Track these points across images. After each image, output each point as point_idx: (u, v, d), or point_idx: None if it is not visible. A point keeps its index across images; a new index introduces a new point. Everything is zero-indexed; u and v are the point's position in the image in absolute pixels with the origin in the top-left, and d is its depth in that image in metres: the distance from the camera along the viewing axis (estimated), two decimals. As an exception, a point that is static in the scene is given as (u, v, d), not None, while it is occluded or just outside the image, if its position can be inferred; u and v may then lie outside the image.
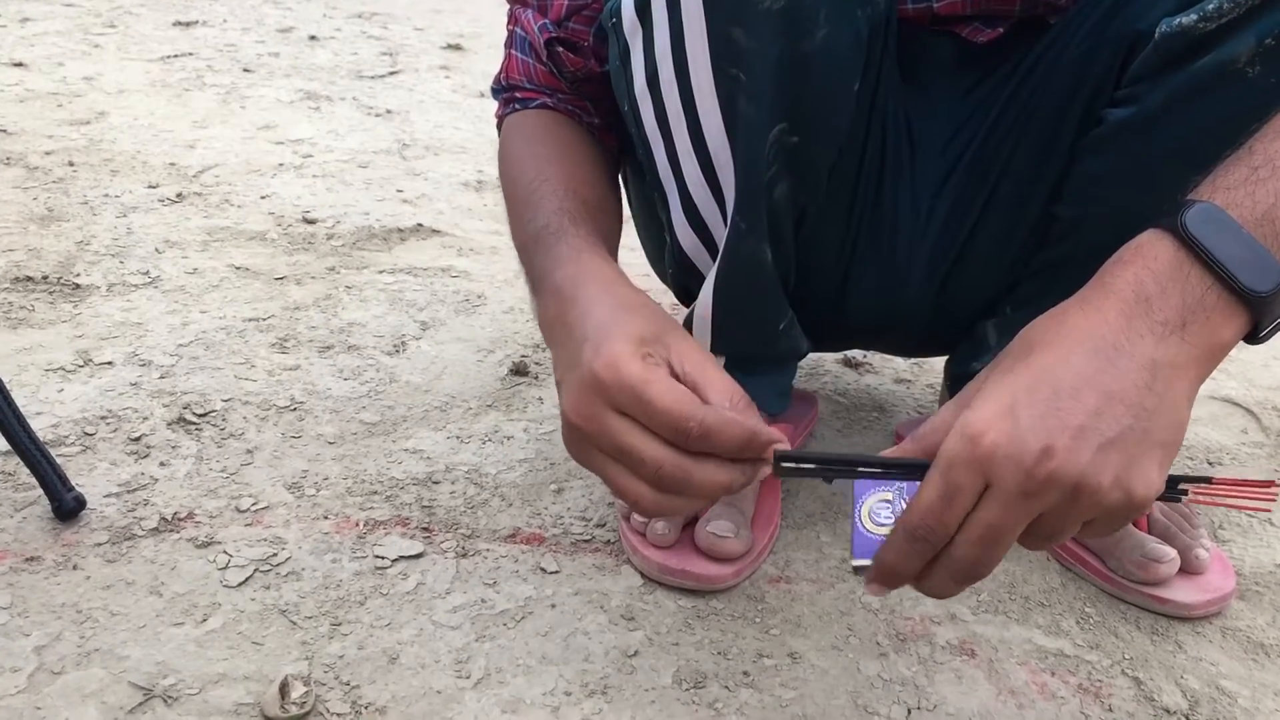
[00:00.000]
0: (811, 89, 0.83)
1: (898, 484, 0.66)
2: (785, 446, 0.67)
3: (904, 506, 0.64)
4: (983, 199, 0.95)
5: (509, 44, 1.04)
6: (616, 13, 0.86)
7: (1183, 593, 0.95)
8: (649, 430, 0.66)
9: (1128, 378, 0.59)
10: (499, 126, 1.05)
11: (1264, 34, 0.72)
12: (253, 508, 1.01)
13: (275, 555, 0.95)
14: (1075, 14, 0.87)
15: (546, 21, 0.97)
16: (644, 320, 0.71)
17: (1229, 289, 0.60)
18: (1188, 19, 0.75)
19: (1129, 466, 0.58)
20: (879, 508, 0.66)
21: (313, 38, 3.26)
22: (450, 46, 3.37)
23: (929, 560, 0.63)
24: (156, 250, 1.57)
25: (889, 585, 0.65)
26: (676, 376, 0.68)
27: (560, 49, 0.97)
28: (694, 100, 0.83)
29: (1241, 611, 0.97)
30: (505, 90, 1.04)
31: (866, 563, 0.65)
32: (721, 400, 0.67)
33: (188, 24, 3.26)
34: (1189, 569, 0.97)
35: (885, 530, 0.65)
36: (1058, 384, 0.59)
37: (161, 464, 1.06)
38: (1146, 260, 0.61)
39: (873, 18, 0.84)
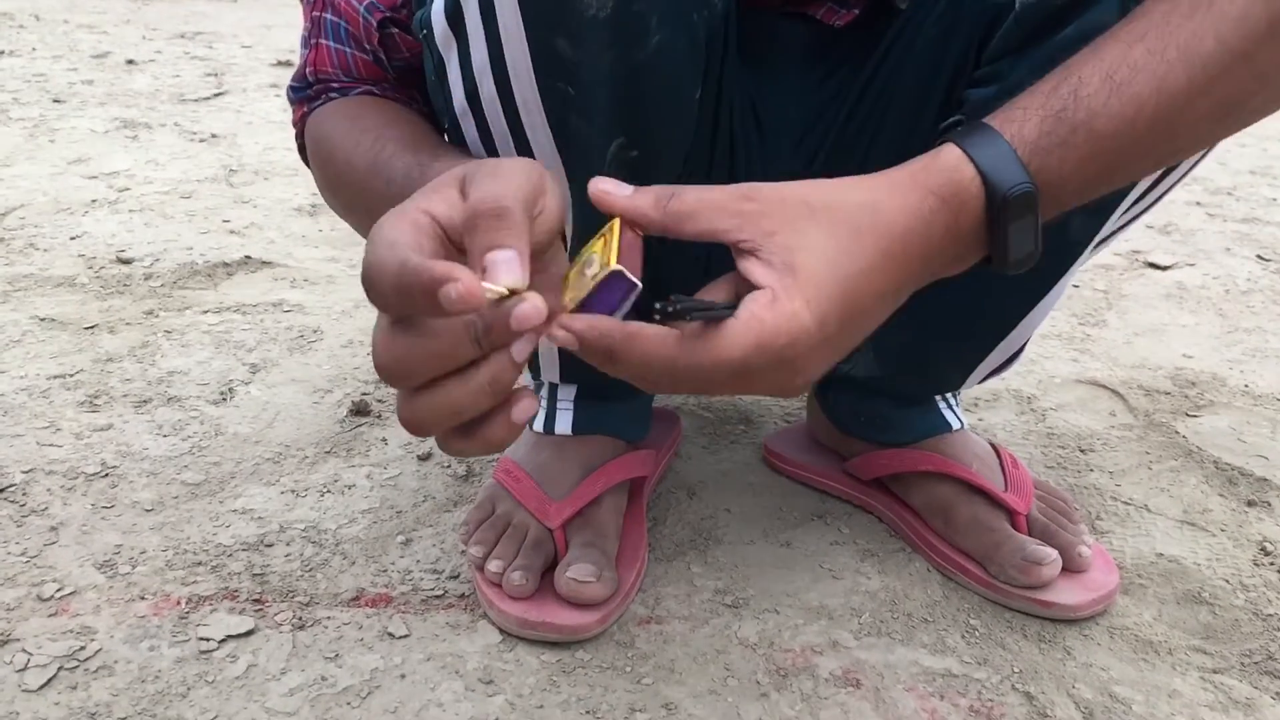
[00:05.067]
0: (648, 100, 0.76)
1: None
2: (458, 287, 0.46)
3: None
4: None
5: (315, 33, 0.90)
6: (426, 23, 0.77)
7: (1067, 594, 0.91)
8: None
9: (882, 317, 0.61)
10: (300, 130, 0.92)
11: (1127, 0, 0.68)
12: (57, 594, 0.90)
13: (83, 649, 0.84)
14: None
15: (375, 1, 0.87)
16: (450, 174, 0.56)
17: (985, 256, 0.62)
18: None
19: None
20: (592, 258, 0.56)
21: (130, 62, 3.08)
22: (281, 63, 3.22)
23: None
24: (-50, 306, 1.42)
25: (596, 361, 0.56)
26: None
27: (395, 30, 0.87)
28: (520, 118, 0.75)
29: (1127, 608, 0.93)
30: (313, 85, 0.91)
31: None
32: (475, 206, 0.51)
33: (-8, 54, 3.05)
34: (1071, 567, 0.93)
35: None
36: (853, 326, 0.58)
37: (-50, 553, 0.94)
38: (960, 225, 0.60)
39: (710, 20, 0.78)
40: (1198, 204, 2.18)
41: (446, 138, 0.84)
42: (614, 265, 0.54)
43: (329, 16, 0.89)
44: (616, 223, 0.57)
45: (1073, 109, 0.60)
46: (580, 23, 0.70)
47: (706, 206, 0.57)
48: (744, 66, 0.89)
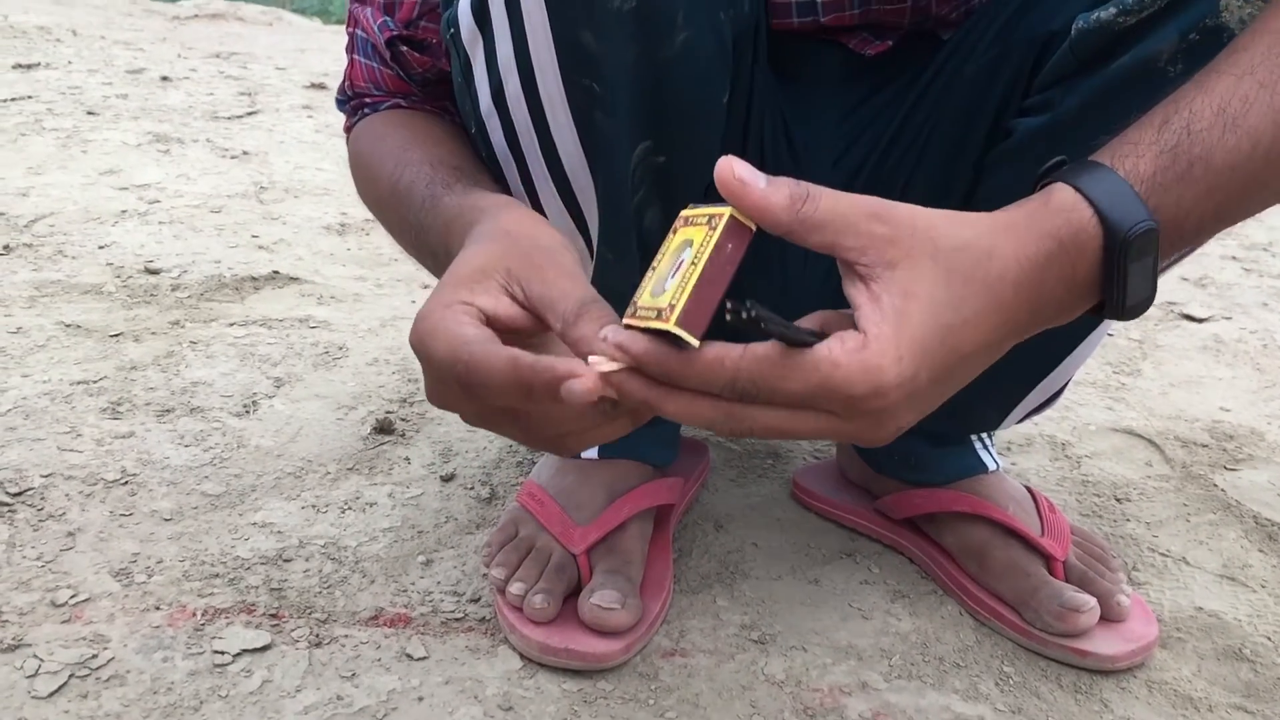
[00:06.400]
0: (675, 100, 0.74)
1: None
2: (582, 383, 0.51)
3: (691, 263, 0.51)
4: None
5: (350, 48, 0.93)
6: (454, 22, 0.76)
7: (1104, 644, 0.89)
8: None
9: (981, 368, 0.58)
10: (348, 140, 0.94)
11: (1186, 29, 0.66)
12: (71, 601, 0.88)
13: (95, 657, 0.82)
14: (976, 21, 0.81)
15: (387, 19, 0.87)
16: (486, 254, 0.60)
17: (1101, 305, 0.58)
18: (1106, 13, 0.69)
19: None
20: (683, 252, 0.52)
21: (165, 78, 3.10)
22: (314, 85, 3.24)
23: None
24: (-24, 308, 1.42)
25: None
26: (524, 309, 0.58)
27: (404, 48, 0.87)
28: (545, 116, 0.74)
29: (1165, 661, 0.90)
30: (351, 99, 0.94)
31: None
32: (560, 319, 0.56)
33: (29, 66, 3.07)
34: (1110, 616, 0.90)
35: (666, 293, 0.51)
36: (946, 379, 0.56)
37: (-36, 554, 0.92)
38: (1076, 271, 0.56)
39: (737, 21, 0.77)
40: (1234, 258, 2.16)
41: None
42: (671, 327, 0.49)
43: (359, 33, 0.91)
44: (725, 218, 0.51)
45: (1187, 144, 0.57)
46: (605, 15, 0.69)
47: (838, 219, 0.52)
48: (775, 82, 0.87)
